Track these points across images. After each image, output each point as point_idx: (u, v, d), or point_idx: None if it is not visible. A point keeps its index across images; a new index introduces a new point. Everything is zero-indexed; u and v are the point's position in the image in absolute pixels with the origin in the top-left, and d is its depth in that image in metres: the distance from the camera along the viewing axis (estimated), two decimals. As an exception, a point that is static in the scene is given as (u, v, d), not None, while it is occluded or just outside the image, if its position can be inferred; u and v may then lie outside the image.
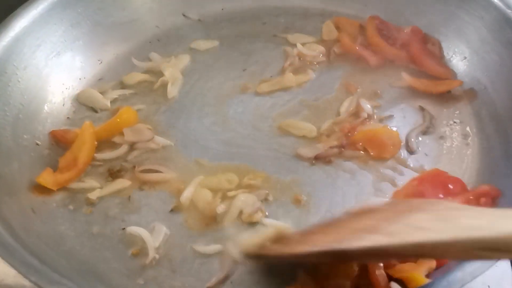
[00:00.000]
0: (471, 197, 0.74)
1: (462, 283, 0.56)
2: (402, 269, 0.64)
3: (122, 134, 0.86)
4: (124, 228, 0.77)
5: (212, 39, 1.03)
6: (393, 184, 0.79)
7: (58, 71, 0.93)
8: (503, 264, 0.77)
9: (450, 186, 0.75)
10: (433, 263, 0.64)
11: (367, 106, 0.87)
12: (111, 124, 0.88)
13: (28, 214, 0.76)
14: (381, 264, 0.64)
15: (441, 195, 0.73)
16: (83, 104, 0.93)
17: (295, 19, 1.05)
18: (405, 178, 0.80)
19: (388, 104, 0.89)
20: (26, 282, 0.79)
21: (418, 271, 0.62)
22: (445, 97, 0.89)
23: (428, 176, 0.78)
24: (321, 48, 0.98)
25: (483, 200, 0.74)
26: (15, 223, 0.70)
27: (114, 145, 0.86)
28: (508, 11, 0.84)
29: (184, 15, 1.06)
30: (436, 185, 0.75)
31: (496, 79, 0.86)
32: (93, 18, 0.98)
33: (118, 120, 0.88)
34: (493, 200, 0.74)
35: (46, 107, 0.90)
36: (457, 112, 0.88)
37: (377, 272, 0.63)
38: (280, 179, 0.81)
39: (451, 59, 0.94)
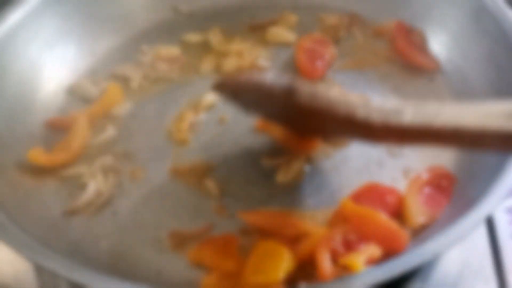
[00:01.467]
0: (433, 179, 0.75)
1: (434, 252, 0.58)
2: (345, 257, 0.63)
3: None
4: (115, 214, 0.79)
5: (203, 33, 1.04)
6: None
7: (52, 63, 0.95)
8: (482, 242, 0.79)
9: (388, 198, 0.72)
10: (376, 252, 0.64)
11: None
12: (100, 103, 0.92)
13: (22, 201, 0.78)
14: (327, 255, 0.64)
15: (380, 210, 0.69)
16: (75, 95, 0.95)
17: (285, 13, 1.06)
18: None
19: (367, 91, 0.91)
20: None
21: (357, 259, 0.61)
22: (427, 86, 0.91)
23: (362, 192, 0.74)
24: None
25: (444, 182, 0.75)
26: (10, 207, 0.73)
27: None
28: (485, 0, 0.86)
29: (175, 9, 1.08)
30: (372, 200, 0.71)
31: (476, 68, 0.88)
32: (86, 12, 1.00)
33: (106, 97, 0.92)
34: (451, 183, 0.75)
35: (39, 99, 0.92)
36: (439, 101, 0.89)
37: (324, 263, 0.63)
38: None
39: (434, 49, 0.95)
